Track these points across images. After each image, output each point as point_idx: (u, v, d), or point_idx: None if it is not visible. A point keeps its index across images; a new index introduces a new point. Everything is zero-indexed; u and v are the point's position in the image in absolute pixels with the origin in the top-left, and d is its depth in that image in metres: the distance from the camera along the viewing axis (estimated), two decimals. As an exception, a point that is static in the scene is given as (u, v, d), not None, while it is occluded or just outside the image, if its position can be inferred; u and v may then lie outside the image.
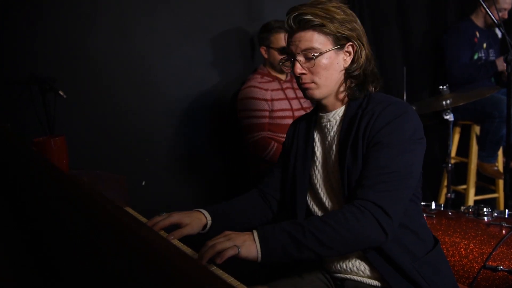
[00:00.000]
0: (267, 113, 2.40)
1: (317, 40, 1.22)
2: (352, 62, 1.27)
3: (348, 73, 1.27)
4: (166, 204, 2.43)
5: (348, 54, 1.27)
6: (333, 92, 1.29)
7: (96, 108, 2.27)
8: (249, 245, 1.05)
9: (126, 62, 2.33)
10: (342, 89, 1.29)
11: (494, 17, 2.04)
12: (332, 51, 1.24)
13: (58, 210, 0.77)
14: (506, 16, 3.01)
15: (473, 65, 3.09)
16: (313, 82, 1.26)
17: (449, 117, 2.51)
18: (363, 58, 1.26)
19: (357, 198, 1.13)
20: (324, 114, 1.34)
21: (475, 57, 3.16)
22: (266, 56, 2.48)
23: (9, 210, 1.19)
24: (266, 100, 2.39)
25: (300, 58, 1.25)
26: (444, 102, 2.52)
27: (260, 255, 1.05)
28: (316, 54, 1.23)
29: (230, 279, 0.99)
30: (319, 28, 1.21)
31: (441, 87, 2.56)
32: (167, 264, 0.45)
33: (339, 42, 1.24)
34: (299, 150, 1.39)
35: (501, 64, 2.98)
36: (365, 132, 1.19)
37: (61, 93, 1.83)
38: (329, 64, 1.24)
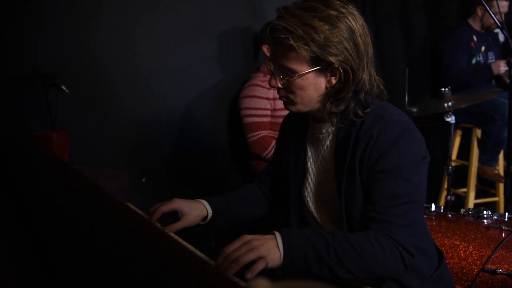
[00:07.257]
0: (269, 112, 2.40)
1: (293, 60, 1.06)
2: (338, 84, 1.09)
3: (331, 95, 1.11)
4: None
5: (333, 75, 1.09)
6: (315, 110, 1.16)
7: (98, 104, 2.28)
8: (274, 254, 0.97)
9: (128, 59, 2.33)
10: (326, 108, 1.12)
11: (497, 20, 2.04)
12: (310, 73, 1.07)
13: (60, 204, 0.77)
14: (502, 19, 3.01)
15: (470, 70, 3.09)
16: (287, 98, 1.14)
17: (451, 119, 2.51)
18: (355, 81, 1.07)
19: (374, 230, 1.04)
20: (316, 124, 1.21)
21: (473, 61, 3.17)
22: (268, 54, 2.48)
23: (11, 205, 1.19)
24: (268, 98, 2.38)
25: (276, 72, 1.11)
26: (445, 104, 2.52)
27: (281, 263, 0.98)
28: (291, 75, 1.08)
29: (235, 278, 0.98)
30: (295, 48, 1.03)
31: (443, 89, 2.56)
32: (171, 260, 0.45)
33: (320, 63, 1.06)
34: (291, 158, 1.30)
35: (496, 68, 2.99)
36: (362, 158, 1.07)
37: (63, 87, 1.84)
38: (306, 85, 1.09)
